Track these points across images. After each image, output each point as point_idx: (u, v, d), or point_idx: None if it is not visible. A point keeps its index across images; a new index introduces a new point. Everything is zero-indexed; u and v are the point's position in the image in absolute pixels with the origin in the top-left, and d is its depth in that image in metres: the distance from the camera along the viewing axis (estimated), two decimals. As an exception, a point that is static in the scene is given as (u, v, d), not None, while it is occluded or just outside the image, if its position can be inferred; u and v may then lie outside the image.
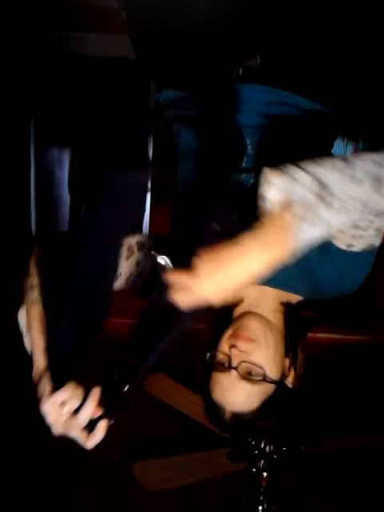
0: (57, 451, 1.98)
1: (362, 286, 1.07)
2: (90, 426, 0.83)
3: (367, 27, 1.13)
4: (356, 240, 0.94)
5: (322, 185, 0.80)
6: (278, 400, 1.03)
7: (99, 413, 0.84)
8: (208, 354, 1.05)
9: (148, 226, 3.19)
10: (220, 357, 1.03)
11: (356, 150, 2.88)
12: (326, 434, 1.83)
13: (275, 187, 0.81)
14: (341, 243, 0.96)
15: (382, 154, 0.85)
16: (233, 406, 1.00)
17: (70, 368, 0.85)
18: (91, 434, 0.83)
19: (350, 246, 0.96)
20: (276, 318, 1.07)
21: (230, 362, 1.00)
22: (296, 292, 1.10)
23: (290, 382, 1.05)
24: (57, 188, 3.53)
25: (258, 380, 0.99)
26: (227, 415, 1.01)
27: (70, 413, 0.82)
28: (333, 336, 2.85)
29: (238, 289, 0.82)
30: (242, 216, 0.94)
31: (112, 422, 0.85)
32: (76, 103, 3.10)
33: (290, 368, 1.05)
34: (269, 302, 1.09)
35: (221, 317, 1.10)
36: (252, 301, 1.09)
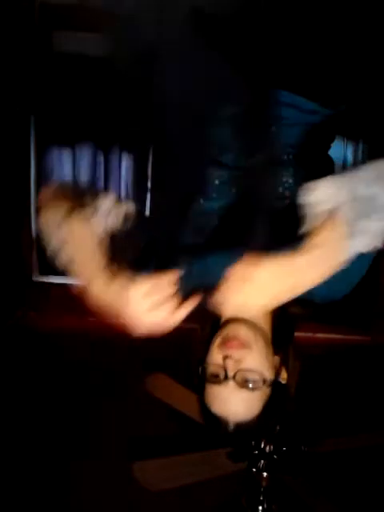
0: (57, 451, 1.98)
1: (362, 286, 1.07)
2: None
3: (367, 28, 1.13)
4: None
5: (364, 198, 0.84)
6: (276, 399, 1.02)
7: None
8: (200, 369, 1.02)
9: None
10: (213, 369, 1.00)
11: (356, 151, 2.90)
12: (326, 434, 1.83)
13: (321, 204, 0.86)
14: None
15: None
16: (235, 416, 0.98)
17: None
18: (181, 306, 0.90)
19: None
20: (263, 317, 1.06)
21: (225, 373, 0.98)
22: None
23: (283, 379, 1.05)
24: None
25: (258, 386, 0.98)
26: (231, 426, 0.98)
27: (157, 298, 0.89)
28: (332, 336, 2.85)
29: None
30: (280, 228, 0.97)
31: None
32: (76, 103, 3.10)
33: (280, 365, 1.05)
34: None
35: (210, 319, 1.09)
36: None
